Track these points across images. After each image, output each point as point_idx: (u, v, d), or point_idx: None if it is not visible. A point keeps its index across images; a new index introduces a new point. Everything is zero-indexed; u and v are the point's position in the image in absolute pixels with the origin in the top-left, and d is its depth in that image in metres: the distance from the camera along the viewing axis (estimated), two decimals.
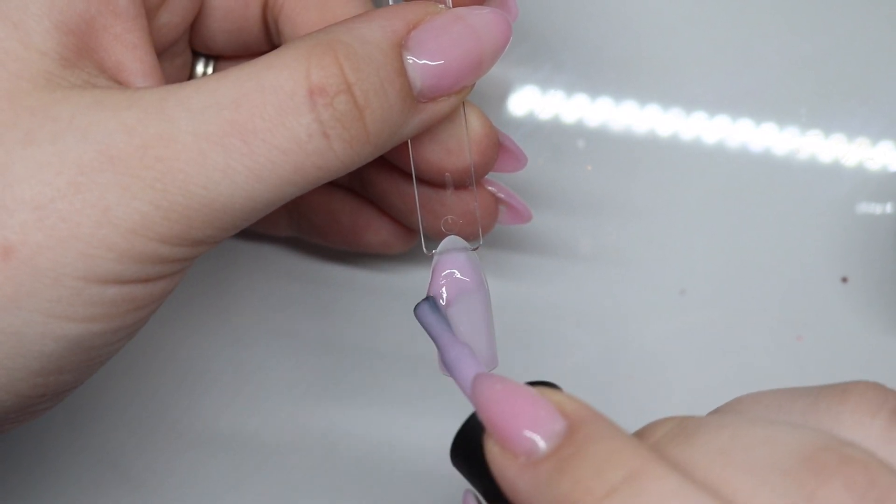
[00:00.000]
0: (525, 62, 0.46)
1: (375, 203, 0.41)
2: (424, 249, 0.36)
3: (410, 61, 0.32)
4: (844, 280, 0.44)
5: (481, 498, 0.29)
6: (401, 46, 0.32)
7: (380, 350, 0.44)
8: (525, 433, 0.26)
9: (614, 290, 0.45)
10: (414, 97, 0.32)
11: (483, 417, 0.26)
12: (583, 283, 0.45)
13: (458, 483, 0.43)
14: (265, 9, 0.37)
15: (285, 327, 0.45)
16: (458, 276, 0.35)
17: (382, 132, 0.32)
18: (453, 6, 0.34)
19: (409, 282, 0.45)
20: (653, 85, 0.46)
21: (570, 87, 0.46)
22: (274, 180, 0.30)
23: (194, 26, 0.38)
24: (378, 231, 0.41)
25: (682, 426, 0.26)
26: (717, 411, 0.28)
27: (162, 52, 0.36)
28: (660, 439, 0.26)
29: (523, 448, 0.26)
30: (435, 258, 0.35)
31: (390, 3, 0.34)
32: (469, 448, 0.28)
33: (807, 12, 0.46)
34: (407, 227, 0.41)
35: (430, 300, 0.33)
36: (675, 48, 0.46)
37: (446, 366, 0.31)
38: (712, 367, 0.44)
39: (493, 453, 0.26)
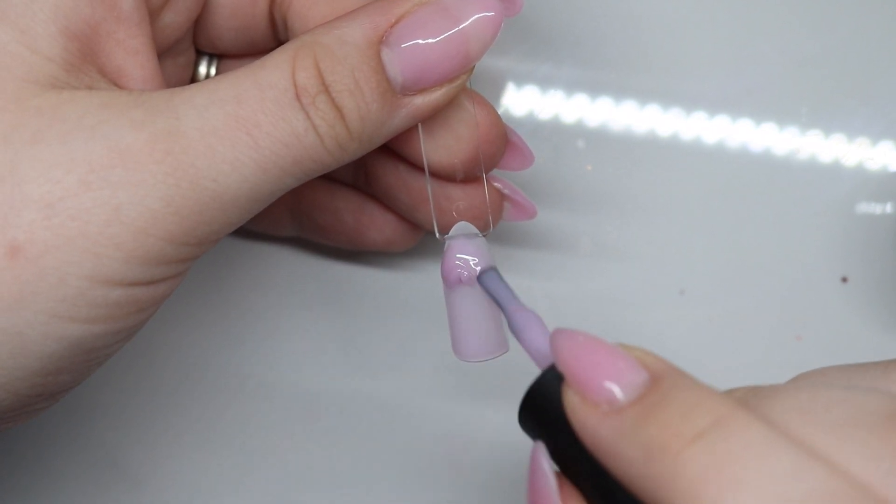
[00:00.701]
0: (525, 61, 0.46)
1: (379, 199, 0.41)
2: (437, 234, 0.36)
3: (388, 57, 0.32)
4: (844, 280, 0.45)
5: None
6: (379, 43, 0.32)
7: (384, 349, 0.44)
8: (607, 383, 0.26)
9: (614, 289, 0.45)
10: (395, 92, 0.33)
11: (564, 368, 0.27)
12: (582, 283, 0.45)
13: (464, 475, 0.43)
14: (272, 6, 0.37)
15: (287, 327, 0.45)
16: (469, 260, 0.35)
17: (364, 129, 0.32)
18: None
19: (412, 280, 0.45)
20: (653, 85, 0.46)
21: (570, 87, 0.46)
22: (276, 172, 0.31)
23: (200, 25, 0.38)
24: (381, 229, 0.41)
25: (756, 390, 0.27)
26: (786, 382, 0.29)
27: (165, 50, 0.36)
28: (737, 399, 0.27)
29: (605, 397, 0.26)
30: (446, 243, 0.36)
31: None
32: (542, 405, 0.28)
33: (807, 12, 0.46)
34: (410, 224, 0.41)
35: (495, 269, 0.34)
36: (676, 48, 0.46)
37: (514, 329, 0.32)
38: (712, 366, 0.44)
39: (574, 404, 0.27)
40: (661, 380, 0.26)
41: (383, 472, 0.44)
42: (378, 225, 0.41)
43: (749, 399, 0.27)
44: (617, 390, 0.26)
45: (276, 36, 0.38)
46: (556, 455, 0.28)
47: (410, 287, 0.45)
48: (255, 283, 0.45)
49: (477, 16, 0.33)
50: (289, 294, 0.45)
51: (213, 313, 0.45)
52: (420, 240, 0.42)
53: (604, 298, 0.45)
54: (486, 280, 0.34)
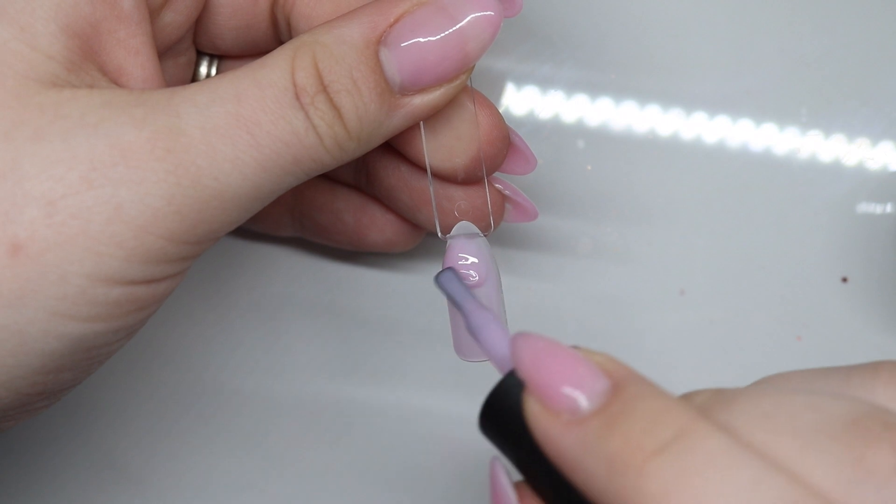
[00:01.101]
0: (525, 62, 0.46)
1: (380, 200, 0.41)
2: (439, 233, 0.36)
3: (386, 57, 0.32)
4: (844, 280, 0.45)
5: (510, 466, 0.28)
6: (378, 43, 0.32)
7: (384, 349, 0.44)
8: (568, 390, 0.26)
9: (614, 290, 0.45)
10: (393, 92, 0.33)
11: (524, 374, 0.26)
12: (582, 283, 0.45)
13: (463, 475, 0.43)
14: (273, 5, 0.37)
15: (287, 326, 0.45)
16: (470, 261, 0.35)
17: (363, 129, 0.32)
18: None
19: (413, 280, 0.45)
20: (653, 85, 0.46)
21: (571, 87, 0.46)
22: (277, 171, 0.31)
23: (201, 25, 0.38)
24: (382, 229, 0.41)
25: (720, 394, 0.27)
26: (749, 386, 0.28)
27: (165, 50, 0.36)
28: (699, 406, 0.26)
29: (566, 406, 0.26)
30: (448, 242, 0.36)
31: None
32: (502, 412, 0.27)
33: (807, 12, 0.46)
34: (411, 225, 0.41)
35: (452, 269, 0.34)
36: (676, 48, 0.46)
37: (472, 330, 0.31)
38: (712, 366, 0.44)
39: (534, 412, 0.26)
40: (623, 388, 0.26)
41: (383, 471, 0.44)
42: (379, 225, 0.41)
43: (712, 404, 0.26)
44: (579, 398, 0.26)
45: (277, 36, 0.38)
46: (518, 464, 0.27)
47: (411, 287, 0.45)
48: (255, 283, 0.45)
49: (475, 15, 0.33)
50: (289, 294, 0.45)
51: (212, 313, 0.45)
52: (421, 240, 0.42)
53: (604, 299, 0.45)
54: (443, 280, 0.33)
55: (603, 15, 0.46)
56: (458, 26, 0.33)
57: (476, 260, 0.35)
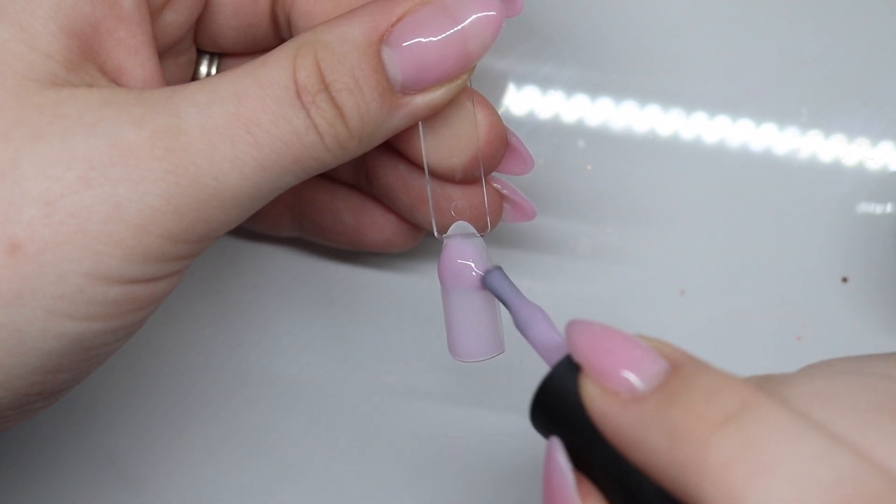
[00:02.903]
0: (525, 62, 0.46)
1: (379, 199, 0.41)
2: (435, 233, 0.36)
3: (388, 56, 0.32)
4: (844, 280, 0.44)
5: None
6: (379, 42, 0.32)
7: (384, 348, 0.44)
8: (626, 372, 0.26)
9: (614, 289, 0.45)
10: (394, 92, 0.33)
11: (582, 359, 0.27)
12: (582, 284, 0.45)
13: (464, 476, 0.43)
14: (274, 4, 0.37)
15: (287, 327, 0.45)
16: (467, 261, 0.35)
17: (364, 128, 0.32)
18: None
19: (412, 280, 0.45)
20: (653, 85, 0.46)
21: (571, 87, 0.46)
22: (276, 170, 0.31)
23: (202, 23, 0.38)
24: (382, 229, 0.41)
25: (770, 378, 0.27)
26: (797, 371, 0.28)
27: (166, 50, 0.36)
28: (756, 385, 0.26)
29: (625, 386, 0.26)
30: (444, 242, 0.36)
31: None
32: (556, 398, 0.27)
33: (807, 12, 0.46)
34: (410, 225, 0.41)
35: (500, 269, 0.34)
36: (676, 48, 0.46)
37: (520, 325, 0.31)
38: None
39: (593, 395, 0.26)
40: (681, 367, 0.26)
41: (382, 471, 0.44)
42: (378, 225, 0.41)
43: (765, 386, 0.26)
44: (637, 379, 0.26)
45: (277, 34, 0.38)
46: (572, 451, 0.27)
47: (410, 287, 0.45)
48: (255, 283, 0.45)
49: (477, 16, 0.33)
50: (288, 294, 0.45)
51: (212, 313, 0.45)
52: (420, 241, 0.42)
53: (604, 299, 0.45)
54: (492, 278, 0.34)
55: (603, 15, 0.46)
56: (460, 26, 0.33)
57: (472, 260, 0.35)
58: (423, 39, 0.32)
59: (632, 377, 0.26)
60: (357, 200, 0.41)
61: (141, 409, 0.44)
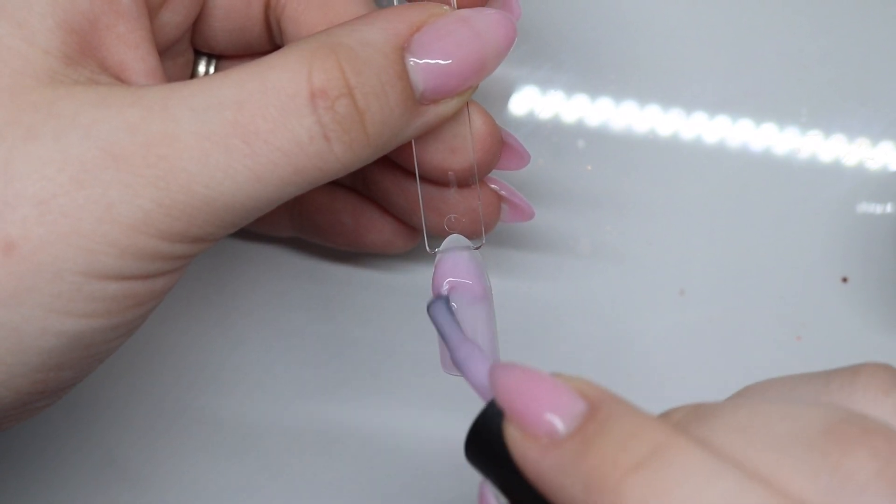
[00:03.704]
0: (525, 62, 0.46)
1: (378, 202, 0.41)
2: (427, 248, 0.36)
3: (412, 64, 0.32)
4: (844, 280, 0.44)
5: (497, 491, 0.28)
6: (403, 49, 0.32)
7: (382, 349, 0.44)
8: (546, 415, 0.26)
9: (614, 289, 0.45)
10: (415, 100, 0.32)
11: (503, 403, 0.27)
12: (582, 283, 0.45)
13: (460, 477, 0.43)
14: (267, 9, 0.37)
15: (286, 327, 0.45)
16: (461, 277, 0.35)
17: (382, 135, 0.32)
18: (457, 7, 0.34)
19: (411, 281, 0.45)
20: (653, 85, 0.46)
21: (570, 87, 0.46)
22: (275, 180, 0.31)
23: (196, 25, 0.38)
24: (380, 231, 0.41)
25: (697, 410, 0.27)
26: (728, 398, 0.29)
27: (164, 50, 0.36)
28: (677, 422, 0.26)
29: (545, 430, 0.26)
30: (437, 256, 0.35)
31: (395, 3, 0.34)
32: (485, 440, 0.28)
33: (807, 12, 0.46)
34: (409, 226, 0.41)
35: (444, 299, 0.34)
36: (676, 48, 0.46)
37: (457, 363, 0.31)
38: (712, 366, 0.44)
39: (515, 438, 0.26)
40: (598, 409, 0.26)
41: (382, 472, 0.44)
42: (377, 227, 0.41)
43: (689, 420, 0.26)
44: (556, 421, 0.26)
45: (271, 39, 0.38)
46: (504, 489, 0.28)
47: (409, 288, 0.45)
48: (254, 283, 0.45)
49: (495, 29, 0.33)
50: (287, 294, 0.45)
51: (211, 313, 0.45)
52: (418, 242, 0.42)
53: (603, 299, 0.45)
54: (434, 311, 0.33)
55: (603, 16, 0.46)
56: (479, 40, 0.33)
57: (466, 275, 0.35)
58: (445, 50, 0.32)
59: (550, 421, 0.26)
60: (356, 202, 0.41)
61: (141, 409, 0.44)
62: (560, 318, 0.45)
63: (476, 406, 0.28)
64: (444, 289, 0.35)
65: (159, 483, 0.44)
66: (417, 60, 0.32)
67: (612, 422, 0.26)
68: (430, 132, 0.35)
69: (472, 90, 0.34)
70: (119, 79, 0.32)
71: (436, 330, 0.33)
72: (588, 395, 0.26)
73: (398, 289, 0.45)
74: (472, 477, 0.44)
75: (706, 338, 0.44)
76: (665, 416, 0.27)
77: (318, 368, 0.44)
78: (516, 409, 0.27)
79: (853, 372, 0.27)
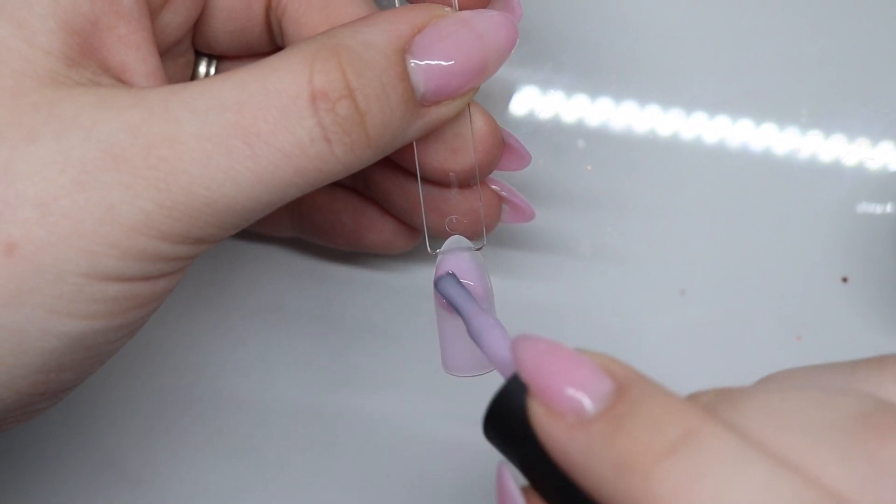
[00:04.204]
0: (526, 63, 0.46)
1: (378, 202, 0.41)
2: (429, 249, 0.36)
3: (413, 66, 0.32)
4: (844, 280, 0.45)
5: (516, 472, 0.28)
6: (404, 51, 0.32)
7: (383, 349, 0.44)
8: (572, 392, 0.25)
9: (614, 289, 0.45)
10: (416, 101, 0.32)
11: (527, 377, 0.26)
12: (583, 283, 0.45)
13: (460, 478, 0.43)
14: (268, 10, 0.37)
15: (287, 327, 0.45)
16: (462, 278, 0.35)
17: (384, 136, 0.32)
18: (459, 9, 0.34)
19: (411, 281, 0.45)
20: (653, 85, 0.46)
21: (571, 88, 0.46)
22: (276, 182, 0.31)
23: (197, 26, 0.38)
24: (381, 231, 0.41)
25: (725, 394, 0.26)
26: (754, 384, 0.28)
27: (165, 51, 0.36)
28: (705, 405, 0.26)
29: (571, 408, 0.25)
30: (438, 258, 0.35)
31: (396, 4, 0.34)
32: (506, 416, 0.27)
33: (807, 13, 0.46)
34: (410, 227, 0.41)
35: (452, 275, 0.34)
36: (675, 49, 0.46)
37: (473, 335, 0.30)
38: (712, 366, 0.44)
39: (539, 415, 0.26)
40: (627, 389, 0.25)
41: (382, 472, 0.44)
42: (377, 227, 0.41)
43: (718, 403, 0.26)
44: (584, 399, 0.25)
45: (272, 40, 0.38)
46: (524, 469, 0.27)
47: (409, 288, 0.45)
48: (254, 283, 0.45)
49: (496, 31, 0.33)
50: (287, 294, 0.45)
51: (211, 314, 0.45)
52: (419, 242, 0.42)
53: (604, 299, 0.45)
54: (444, 286, 0.33)
55: (603, 16, 0.46)
56: (481, 41, 0.33)
57: (467, 276, 0.35)
58: (446, 52, 0.32)
59: (578, 399, 0.25)
60: (356, 202, 0.41)
61: (141, 410, 0.44)
62: (560, 319, 0.45)
63: (481, 399, 0.28)
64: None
65: (159, 484, 0.44)
66: (419, 62, 0.32)
67: (642, 403, 0.25)
68: (432, 133, 0.35)
69: (473, 91, 0.34)
70: (120, 80, 0.32)
71: (450, 303, 0.32)
72: (615, 374, 0.26)
73: (399, 289, 0.45)
74: (473, 477, 0.44)
75: (707, 338, 0.44)
76: (692, 399, 0.27)
77: (318, 369, 0.44)
78: (541, 384, 0.26)
79: (880, 362, 0.27)
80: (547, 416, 0.26)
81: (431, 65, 0.32)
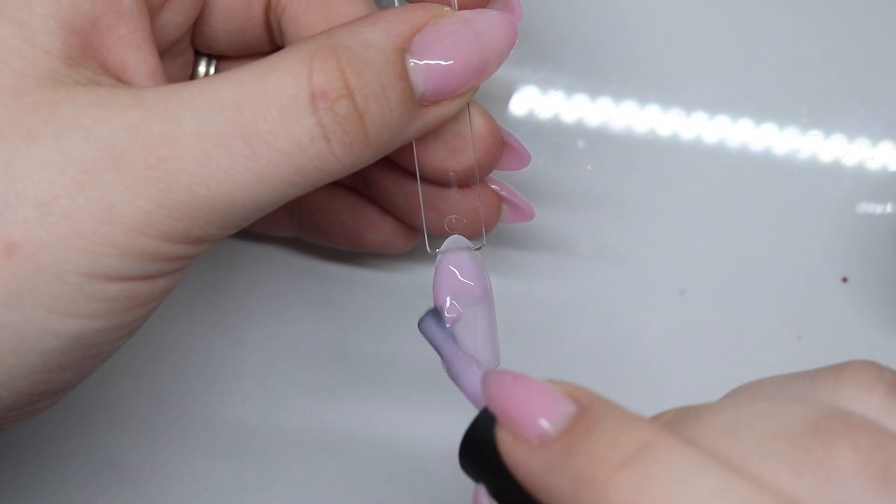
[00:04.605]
0: (525, 62, 0.46)
1: (378, 202, 0.41)
2: (428, 248, 0.36)
3: (413, 65, 0.32)
4: (844, 280, 0.45)
5: (491, 499, 0.29)
6: (403, 50, 0.32)
7: (383, 349, 0.44)
8: (537, 419, 0.26)
9: (614, 290, 0.45)
10: (416, 101, 0.32)
11: (495, 408, 0.27)
12: (583, 283, 0.45)
13: (459, 479, 0.43)
14: (268, 9, 0.37)
15: (286, 327, 0.45)
16: (461, 278, 0.35)
17: (383, 136, 0.32)
18: (458, 8, 0.34)
19: (411, 281, 0.45)
20: (653, 85, 0.46)
21: (570, 88, 0.46)
22: (276, 181, 0.31)
23: (197, 26, 0.38)
24: (380, 230, 0.41)
25: (683, 412, 0.27)
26: (717, 400, 0.29)
27: (164, 51, 0.36)
28: (665, 424, 0.27)
29: (534, 433, 0.26)
30: (438, 257, 0.35)
31: (396, 4, 0.34)
32: (478, 446, 0.28)
33: (807, 13, 0.46)
34: (409, 226, 0.41)
35: (434, 312, 0.34)
36: (675, 48, 0.46)
37: (452, 376, 0.32)
38: (712, 366, 0.44)
39: (506, 443, 0.27)
40: (587, 410, 0.26)
41: (382, 473, 0.44)
42: (377, 227, 0.41)
43: (676, 422, 0.27)
44: (545, 423, 0.26)
45: (272, 40, 0.38)
46: (497, 495, 0.28)
47: (409, 288, 0.45)
48: (254, 283, 0.45)
49: (496, 30, 0.33)
50: (287, 294, 0.45)
51: (211, 313, 0.45)
52: (418, 242, 0.42)
53: (604, 299, 0.45)
54: (424, 326, 0.34)
55: (603, 16, 0.46)
56: (480, 41, 0.33)
57: (467, 276, 0.35)
58: (446, 51, 0.32)
59: (540, 424, 0.26)
60: (356, 202, 0.41)
61: (141, 410, 0.44)
62: (560, 319, 0.45)
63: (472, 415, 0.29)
64: (445, 296, 0.35)
65: (159, 484, 0.44)
66: (418, 62, 0.32)
67: (599, 422, 0.26)
68: (431, 133, 0.35)
69: (473, 91, 0.34)
70: (120, 80, 0.32)
71: (430, 344, 0.34)
72: (578, 399, 0.27)
73: (398, 289, 0.45)
74: (466, 480, 0.44)
75: (707, 338, 0.44)
76: (653, 420, 0.27)
77: (318, 369, 0.44)
78: (507, 413, 0.27)
79: (839, 370, 0.28)
80: (513, 443, 0.27)
81: (431, 64, 0.32)
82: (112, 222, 0.29)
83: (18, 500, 0.44)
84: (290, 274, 0.45)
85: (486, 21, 0.33)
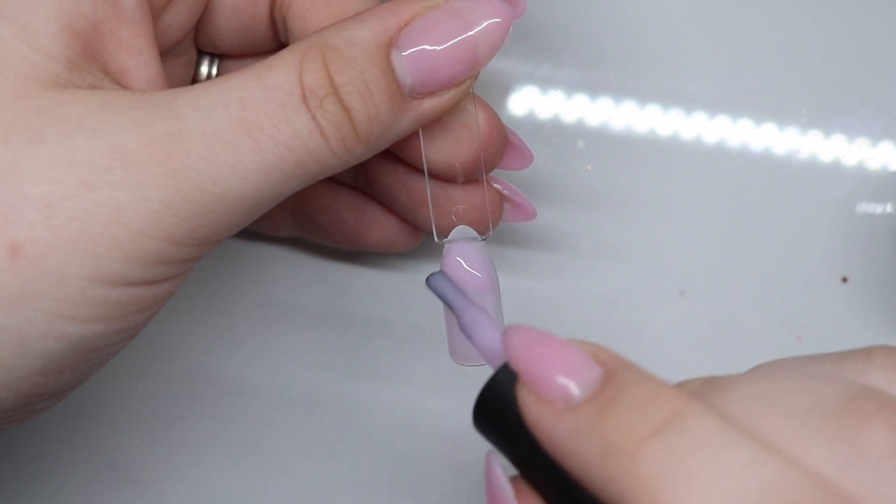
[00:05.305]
0: (525, 62, 0.46)
1: (380, 200, 0.41)
2: (436, 238, 0.36)
3: (398, 59, 0.32)
4: (844, 280, 0.45)
5: (505, 462, 0.28)
6: (389, 45, 0.32)
7: (384, 349, 0.44)
8: (561, 379, 0.26)
9: (614, 290, 0.45)
10: (404, 95, 0.33)
11: (517, 365, 0.26)
12: (583, 283, 0.45)
13: (460, 479, 0.43)
14: (272, 7, 0.37)
15: (287, 327, 0.45)
16: (468, 268, 0.35)
17: (372, 131, 0.32)
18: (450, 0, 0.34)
19: (413, 280, 0.45)
20: (653, 85, 0.46)
21: (571, 87, 0.46)
22: (279, 175, 0.31)
23: (201, 25, 0.38)
24: (382, 229, 0.41)
25: (712, 381, 0.27)
26: (742, 373, 0.28)
27: (166, 51, 0.36)
28: (693, 392, 0.26)
29: (559, 394, 0.26)
30: (445, 247, 0.35)
31: None
32: (495, 405, 0.27)
33: (807, 12, 0.46)
34: (412, 225, 0.41)
35: (442, 272, 0.34)
36: (676, 48, 0.46)
37: (464, 328, 0.31)
38: (712, 366, 0.44)
39: (528, 403, 0.26)
40: (615, 375, 0.26)
41: (383, 473, 0.44)
42: (379, 226, 0.41)
43: (705, 390, 0.26)
44: (572, 387, 0.26)
45: (276, 38, 0.38)
46: (513, 458, 0.27)
47: (411, 287, 0.45)
48: (256, 283, 0.45)
49: (486, 19, 0.33)
50: (289, 294, 0.45)
51: (213, 314, 0.45)
52: (421, 241, 0.42)
53: (604, 299, 0.45)
54: (434, 281, 0.33)
55: (603, 15, 0.46)
56: (469, 30, 0.33)
57: (474, 266, 0.35)
58: (432, 44, 0.32)
59: (566, 386, 0.26)
60: (358, 201, 0.41)
61: (142, 410, 0.44)
62: (560, 318, 0.45)
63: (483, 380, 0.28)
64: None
65: (159, 484, 0.44)
66: (403, 55, 0.32)
67: (628, 388, 0.25)
68: (437, 124, 0.35)
69: (471, 81, 0.34)
70: (120, 84, 0.32)
71: (440, 299, 0.33)
72: (603, 361, 0.26)
73: (400, 288, 0.45)
74: (473, 478, 0.44)
75: (707, 338, 0.44)
76: (680, 386, 0.27)
77: (319, 368, 0.44)
78: (531, 372, 0.26)
79: (867, 352, 0.27)
80: (536, 404, 0.26)
81: (415, 57, 0.32)
82: (119, 224, 0.29)
83: (18, 500, 0.44)
84: (292, 274, 0.45)
85: (477, 10, 0.33)
